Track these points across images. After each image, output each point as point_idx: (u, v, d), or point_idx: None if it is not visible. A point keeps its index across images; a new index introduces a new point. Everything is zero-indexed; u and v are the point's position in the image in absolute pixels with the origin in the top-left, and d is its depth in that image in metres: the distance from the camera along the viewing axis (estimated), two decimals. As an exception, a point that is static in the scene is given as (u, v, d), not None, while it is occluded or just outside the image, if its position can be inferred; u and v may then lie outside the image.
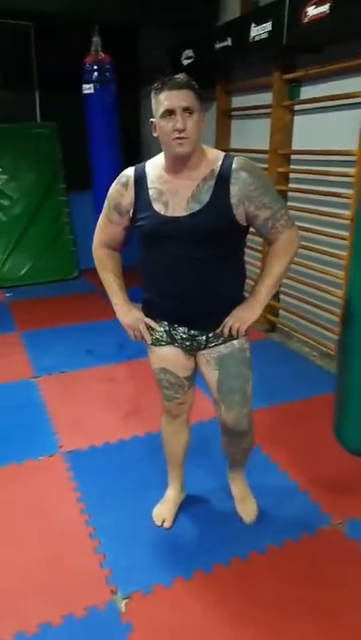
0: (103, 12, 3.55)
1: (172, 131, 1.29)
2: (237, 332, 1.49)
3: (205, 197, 1.36)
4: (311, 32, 2.58)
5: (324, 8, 2.43)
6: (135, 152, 5.34)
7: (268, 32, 2.85)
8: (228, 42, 3.24)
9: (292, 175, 3.27)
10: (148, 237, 1.46)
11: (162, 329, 1.54)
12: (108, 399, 2.73)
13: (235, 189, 1.35)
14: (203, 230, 1.36)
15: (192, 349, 1.55)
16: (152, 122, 1.37)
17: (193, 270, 1.41)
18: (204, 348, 1.53)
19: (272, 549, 1.72)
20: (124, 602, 1.54)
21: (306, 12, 2.56)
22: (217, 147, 4.15)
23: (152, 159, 1.47)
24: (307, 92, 3.02)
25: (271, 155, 3.24)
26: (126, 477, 2.09)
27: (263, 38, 2.90)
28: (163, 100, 1.29)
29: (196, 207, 1.36)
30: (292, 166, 3.24)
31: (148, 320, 1.54)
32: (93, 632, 1.44)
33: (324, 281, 2.99)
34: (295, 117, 3.16)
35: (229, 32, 3.25)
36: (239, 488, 1.88)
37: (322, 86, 2.89)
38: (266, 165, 3.23)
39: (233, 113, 3.82)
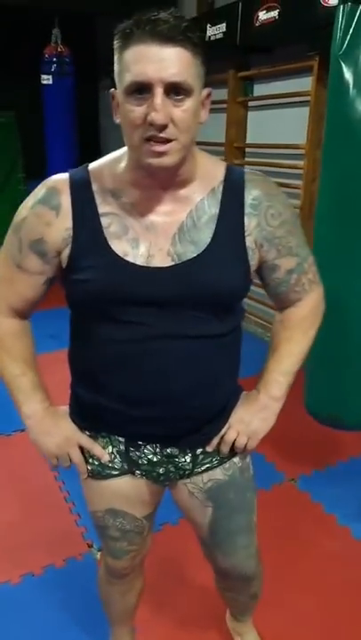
0: (62, 4, 3.61)
1: (144, 124, 0.70)
2: (245, 447, 0.95)
3: (205, 235, 0.80)
4: (262, 34, 2.79)
5: (274, 13, 2.65)
6: (92, 147, 5.40)
7: (223, 32, 3.04)
8: (186, 39, 3.41)
9: (246, 167, 3.48)
10: (97, 302, 0.81)
11: (111, 448, 0.93)
12: (76, 379, 2.84)
13: (252, 224, 0.82)
14: (203, 293, 0.81)
15: (166, 478, 0.95)
16: (112, 94, 0.77)
17: (180, 357, 0.84)
18: (189, 475, 0.95)
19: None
20: (99, 553, 1.67)
21: (258, 16, 2.76)
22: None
23: (102, 160, 0.86)
24: (259, 89, 3.24)
25: (227, 147, 3.44)
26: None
27: (218, 38, 3.09)
28: (130, 60, 0.70)
29: (190, 252, 0.80)
30: (246, 159, 3.46)
31: (86, 441, 0.92)
32: (73, 579, 1.58)
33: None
34: (249, 113, 3.38)
35: (187, 30, 3.42)
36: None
37: (273, 84, 3.11)
38: (223, 157, 3.43)
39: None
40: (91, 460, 0.95)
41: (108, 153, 0.86)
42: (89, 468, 0.96)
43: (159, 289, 0.79)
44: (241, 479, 0.99)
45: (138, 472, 0.95)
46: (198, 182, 0.82)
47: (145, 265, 0.80)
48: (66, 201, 0.81)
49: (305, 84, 2.84)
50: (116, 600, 1.20)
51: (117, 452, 0.94)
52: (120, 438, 0.93)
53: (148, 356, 0.83)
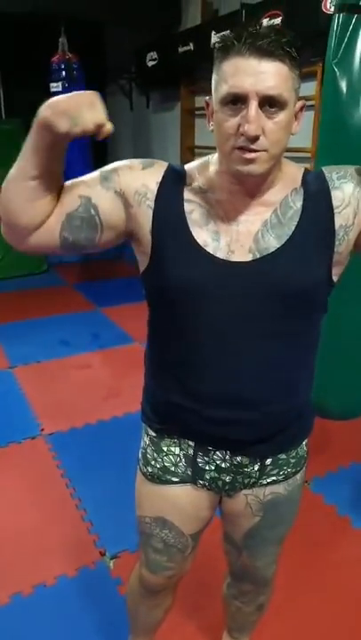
0: (68, 11, 3.65)
1: (236, 133, 0.71)
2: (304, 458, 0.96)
3: (288, 229, 0.79)
4: (267, 40, 2.80)
5: (277, 20, 2.66)
6: (100, 153, 5.43)
7: (228, 39, 3.06)
8: (191, 46, 3.44)
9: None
10: (174, 294, 0.81)
11: (178, 451, 0.91)
12: (86, 385, 2.85)
13: (346, 192, 0.79)
14: (285, 286, 0.78)
15: (231, 488, 0.93)
16: (207, 102, 0.79)
17: (261, 356, 0.81)
18: (252, 486, 0.92)
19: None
20: (112, 561, 1.68)
21: (261, 24, 2.76)
22: (182, 145, 4.35)
23: (194, 163, 0.87)
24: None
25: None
26: (107, 454, 2.23)
27: (223, 44, 3.11)
28: (228, 72, 0.71)
29: (272, 245, 0.78)
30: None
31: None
32: (86, 588, 1.58)
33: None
34: (254, 118, 3.39)
35: (192, 38, 3.45)
36: None
37: (278, 90, 3.12)
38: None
39: (197, 112, 4.01)
40: (153, 463, 0.95)
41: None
42: (149, 470, 0.95)
43: (239, 283, 0.78)
44: (296, 495, 1.00)
45: (201, 482, 0.93)
46: (282, 184, 0.82)
47: (225, 259, 0.78)
48: (158, 176, 0.81)
49: (309, 88, 2.85)
50: (144, 613, 1.18)
51: (184, 455, 0.92)
52: (190, 442, 0.90)
53: (224, 354, 0.81)
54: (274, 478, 0.93)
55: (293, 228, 0.79)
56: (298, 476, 0.97)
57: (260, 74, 0.69)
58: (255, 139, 0.71)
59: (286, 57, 0.70)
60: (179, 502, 0.95)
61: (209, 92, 0.78)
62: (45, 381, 2.90)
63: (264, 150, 0.72)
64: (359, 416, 1.90)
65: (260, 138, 0.71)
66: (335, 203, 0.79)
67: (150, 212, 0.80)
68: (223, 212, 0.80)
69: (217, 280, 0.78)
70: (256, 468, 0.91)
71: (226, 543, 1.08)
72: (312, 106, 2.83)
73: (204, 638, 1.43)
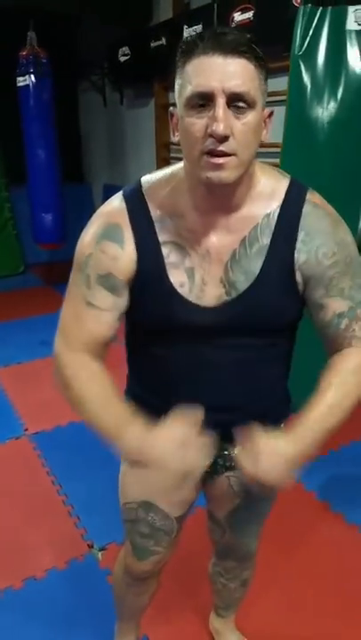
0: (37, 3, 3.60)
1: (204, 136, 0.69)
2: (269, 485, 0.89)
3: (255, 266, 0.79)
4: (238, 35, 2.83)
5: (249, 14, 2.69)
6: (74, 150, 5.38)
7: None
8: (163, 41, 3.44)
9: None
10: (152, 327, 0.85)
11: None
12: (68, 383, 2.86)
13: (300, 260, 0.79)
14: (254, 325, 0.82)
15: (214, 470, 0.97)
16: (172, 113, 0.77)
17: (232, 368, 0.86)
18: (233, 468, 0.95)
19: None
20: (100, 553, 1.71)
21: (233, 17, 2.80)
22: (157, 141, 4.35)
23: (156, 178, 0.84)
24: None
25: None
26: (92, 450, 2.22)
27: (195, 39, 3.12)
28: (192, 72, 0.68)
29: (240, 282, 0.80)
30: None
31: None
32: (75, 580, 1.61)
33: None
34: (228, 113, 3.42)
35: (164, 32, 3.46)
36: None
37: (250, 85, 3.16)
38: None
39: (171, 108, 4.03)
40: None
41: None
42: None
43: (209, 323, 0.81)
44: None
45: None
46: (256, 205, 0.79)
47: (196, 303, 0.81)
48: (128, 234, 0.80)
49: (281, 83, 2.89)
50: (130, 600, 1.22)
51: None
52: None
53: (197, 372, 0.86)
54: None
55: (260, 265, 0.79)
56: None
57: (227, 71, 0.66)
58: (224, 138, 0.67)
59: (252, 55, 0.68)
60: (163, 484, 0.96)
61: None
62: (27, 382, 2.89)
63: (233, 154, 0.69)
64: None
65: (230, 139, 0.68)
66: (295, 259, 0.79)
67: (135, 267, 0.81)
68: (197, 244, 0.79)
69: (189, 319, 0.81)
70: (235, 451, 0.94)
71: (210, 522, 1.13)
72: (283, 101, 2.87)
73: (192, 620, 1.47)
